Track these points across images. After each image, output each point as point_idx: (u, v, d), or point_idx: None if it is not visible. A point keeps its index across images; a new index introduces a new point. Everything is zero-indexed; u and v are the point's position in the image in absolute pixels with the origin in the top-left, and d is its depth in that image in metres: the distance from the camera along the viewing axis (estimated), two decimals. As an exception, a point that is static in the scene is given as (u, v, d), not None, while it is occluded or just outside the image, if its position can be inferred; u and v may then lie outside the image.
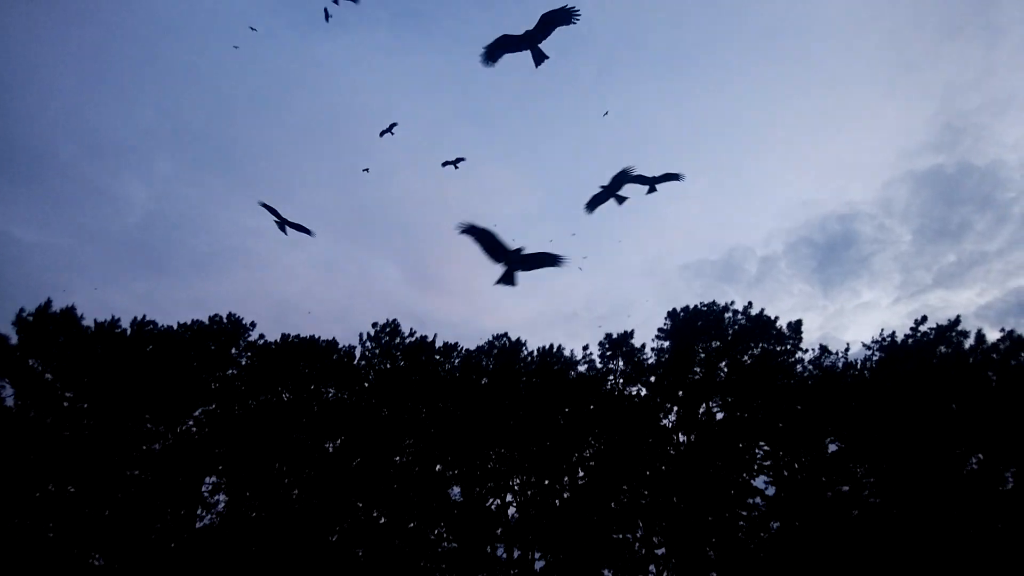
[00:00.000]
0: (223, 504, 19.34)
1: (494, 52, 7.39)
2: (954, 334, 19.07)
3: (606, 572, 18.78)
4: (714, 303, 21.60)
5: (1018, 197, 49.06)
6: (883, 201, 61.07)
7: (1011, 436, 16.73)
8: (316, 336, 21.63)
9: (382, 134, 14.44)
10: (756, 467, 19.47)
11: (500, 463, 20.50)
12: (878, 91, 68.71)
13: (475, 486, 20.11)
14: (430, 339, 21.93)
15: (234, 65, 76.10)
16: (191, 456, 19.17)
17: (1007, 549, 15.70)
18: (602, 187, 8.99)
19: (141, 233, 63.88)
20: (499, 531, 19.58)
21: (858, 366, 19.99)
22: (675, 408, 20.71)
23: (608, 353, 21.59)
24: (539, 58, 7.71)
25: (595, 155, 70.53)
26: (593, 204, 9.16)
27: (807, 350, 20.75)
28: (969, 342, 18.87)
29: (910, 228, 54.97)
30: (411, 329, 22.13)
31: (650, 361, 21.30)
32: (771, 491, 19.05)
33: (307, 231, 10.18)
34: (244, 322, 21.73)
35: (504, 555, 19.49)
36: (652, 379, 21.10)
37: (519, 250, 7.20)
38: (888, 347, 19.81)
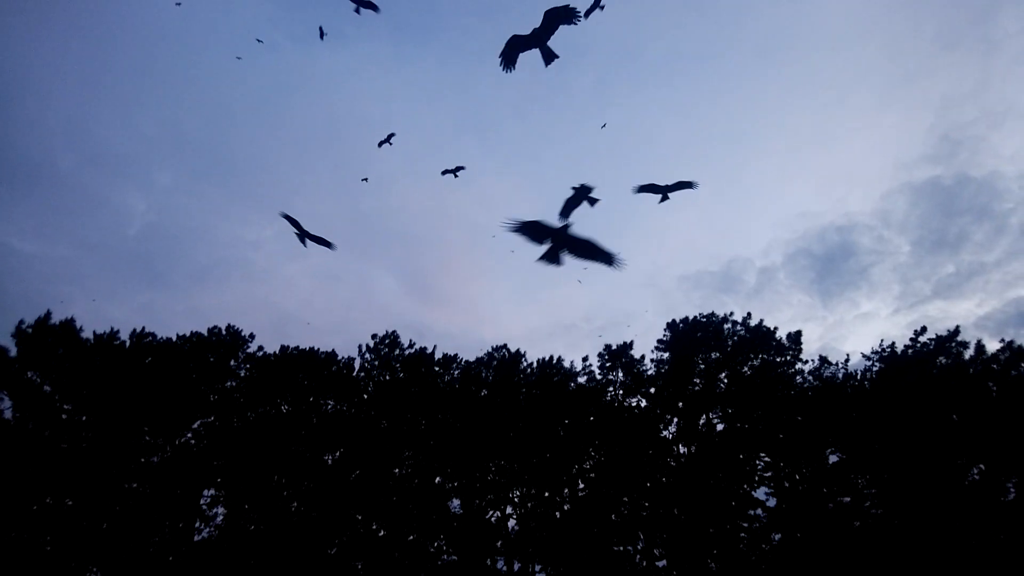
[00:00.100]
0: (222, 517, 19.26)
1: (509, 55, 7.44)
2: (954, 345, 19.15)
3: (607, 585, 18.69)
4: (713, 314, 21.67)
5: (1016, 208, 49.20)
6: (881, 212, 61.30)
7: (1012, 447, 16.73)
8: (315, 348, 21.72)
9: (380, 144, 14.51)
10: (757, 478, 19.44)
11: (500, 475, 20.43)
12: (876, 103, 69.31)
13: (475, 498, 20.03)
14: (429, 350, 21.99)
15: (234, 76, 76.70)
16: (190, 468, 19.11)
17: (1009, 560, 15.64)
18: (568, 197, 8.90)
19: (140, 244, 64.17)
20: (499, 543, 19.51)
21: (858, 377, 20.05)
22: (675, 419, 20.70)
23: (608, 364, 21.62)
24: (549, 57, 7.74)
25: (594, 164, 70.94)
26: (566, 212, 9.11)
27: (807, 361, 20.85)
28: (969, 353, 18.98)
29: (908, 239, 55.13)
30: (410, 340, 22.24)
31: (650, 372, 21.34)
32: (772, 502, 19.03)
33: (328, 244, 10.05)
34: (243, 334, 21.75)
35: (504, 568, 19.40)
36: (652, 390, 21.11)
37: (566, 226, 7.10)
38: (888, 358, 19.86)
